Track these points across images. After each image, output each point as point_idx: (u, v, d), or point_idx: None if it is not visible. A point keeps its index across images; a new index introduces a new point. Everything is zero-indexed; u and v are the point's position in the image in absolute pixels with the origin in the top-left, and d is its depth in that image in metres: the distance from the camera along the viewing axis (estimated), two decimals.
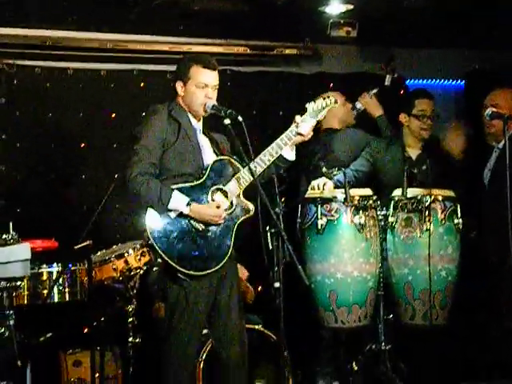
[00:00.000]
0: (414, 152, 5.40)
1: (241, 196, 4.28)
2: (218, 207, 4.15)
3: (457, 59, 6.76)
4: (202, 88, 4.24)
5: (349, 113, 5.73)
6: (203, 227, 4.16)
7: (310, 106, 4.41)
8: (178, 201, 4.09)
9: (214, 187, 4.23)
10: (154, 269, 4.61)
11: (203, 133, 4.38)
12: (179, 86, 4.29)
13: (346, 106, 5.68)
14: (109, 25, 5.79)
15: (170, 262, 4.07)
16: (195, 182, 4.20)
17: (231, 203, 4.25)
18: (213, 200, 4.20)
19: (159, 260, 4.14)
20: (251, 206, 4.27)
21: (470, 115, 5.90)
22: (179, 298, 4.15)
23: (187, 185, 4.18)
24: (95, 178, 5.80)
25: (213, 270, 4.15)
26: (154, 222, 4.10)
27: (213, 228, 4.18)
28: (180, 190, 4.15)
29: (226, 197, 4.24)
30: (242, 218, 4.27)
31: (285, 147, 4.32)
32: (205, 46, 6.07)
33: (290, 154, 4.40)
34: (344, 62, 6.61)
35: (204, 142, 4.36)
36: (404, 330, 5.01)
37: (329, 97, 4.48)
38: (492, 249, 5.00)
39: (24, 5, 5.21)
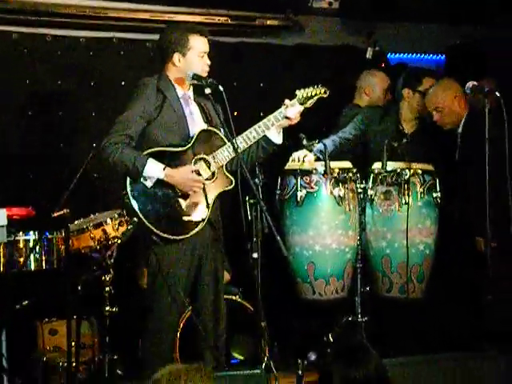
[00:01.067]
0: (409, 128, 5.39)
1: (223, 168, 4.30)
2: (197, 173, 4.14)
3: (438, 33, 6.76)
4: (202, 57, 4.29)
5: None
6: (182, 193, 4.16)
7: (299, 92, 4.44)
8: (154, 167, 4.10)
9: (198, 156, 4.24)
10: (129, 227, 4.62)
11: (194, 100, 4.37)
12: (177, 57, 4.28)
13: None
14: None
15: (145, 221, 4.10)
16: (178, 149, 4.20)
17: (212, 174, 4.24)
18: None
19: (135, 219, 4.14)
20: (232, 179, 4.30)
21: None
22: (158, 263, 4.17)
23: (168, 149, 4.19)
24: (74, 146, 5.74)
25: (186, 236, 4.17)
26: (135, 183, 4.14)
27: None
28: (161, 154, 4.16)
29: (209, 168, 4.24)
30: (222, 189, 4.30)
31: (271, 127, 4.35)
32: (186, 15, 6.00)
33: (277, 137, 4.43)
34: (325, 35, 6.57)
35: (194, 111, 4.37)
36: (381, 303, 5.04)
37: (319, 85, 4.47)
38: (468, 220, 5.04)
39: None
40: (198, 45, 4.29)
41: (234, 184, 4.29)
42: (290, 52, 6.45)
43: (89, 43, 5.89)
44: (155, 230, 4.13)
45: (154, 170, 4.10)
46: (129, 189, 4.12)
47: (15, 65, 5.71)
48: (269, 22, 6.32)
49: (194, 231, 4.20)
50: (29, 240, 4.73)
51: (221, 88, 4.11)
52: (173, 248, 4.20)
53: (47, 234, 4.79)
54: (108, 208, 4.97)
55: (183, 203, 4.20)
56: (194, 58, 4.28)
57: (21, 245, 4.73)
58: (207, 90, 4.17)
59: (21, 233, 4.72)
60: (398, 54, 6.74)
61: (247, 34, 6.36)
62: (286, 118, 4.37)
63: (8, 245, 4.62)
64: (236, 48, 6.32)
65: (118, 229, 4.79)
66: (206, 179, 4.24)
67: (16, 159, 5.66)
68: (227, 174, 4.32)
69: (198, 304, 4.38)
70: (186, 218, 4.19)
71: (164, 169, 4.12)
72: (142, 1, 5.93)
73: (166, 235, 4.15)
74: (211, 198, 4.26)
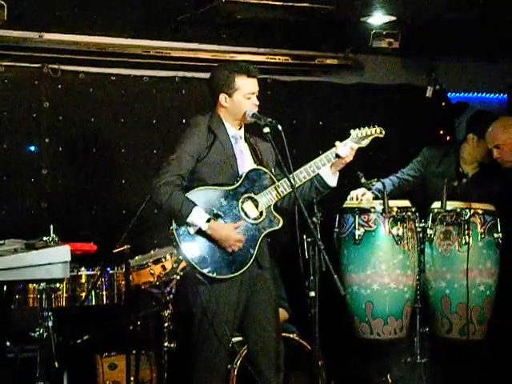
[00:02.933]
0: (470, 170, 5.32)
1: (271, 208, 4.28)
2: (244, 214, 4.17)
3: (500, 72, 6.70)
4: (249, 98, 4.26)
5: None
6: None
7: (354, 132, 4.39)
8: (198, 217, 4.09)
9: (246, 195, 4.24)
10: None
11: (246, 140, 4.40)
12: (223, 97, 4.26)
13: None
14: (152, 32, 5.85)
15: (189, 260, 4.09)
16: (225, 188, 4.21)
17: (260, 213, 4.26)
18: (242, 208, 4.21)
19: (180, 257, 4.15)
20: (280, 220, 4.27)
21: None
22: (204, 303, 4.17)
23: (218, 188, 4.20)
24: (135, 183, 5.86)
25: (231, 276, 4.15)
26: None
27: None
28: (210, 192, 4.17)
29: (257, 207, 4.26)
30: (269, 230, 4.26)
31: (322, 167, 4.31)
32: (247, 54, 6.10)
33: (332, 180, 4.36)
34: (385, 73, 6.59)
35: (244, 150, 4.36)
36: (440, 344, 4.97)
37: (375, 126, 4.46)
38: None
39: (69, 11, 5.29)
40: (245, 86, 4.24)
41: (282, 224, 4.25)
42: (350, 91, 6.48)
43: (152, 82, 6.03)
44: (199, 269, 4.11)
45: (197, 220, 4.09)
46: (174, 227, 4.13)
47: (81, 103, 5.88)
48: (328, 61, 6.38)
49: (240, 271, 4.16)
50: (91, 275, 4.82)
51: (279, 127, 4.09)
52: (219, 288, 4.17)
53: (108, 269, 4.87)
54: (168, 244, 5.02)
55: None
56: (241, 99, 4.24)
57: (83, 280, 4.83)
58: (266, 129, 4.14)
59: (83, 268, 4.82)
60: (458, 93, 6.70)
61: (307, 72, 6.42)
62: (338, 156, 4.32)
63: (70, 280, 4.72)
64: (296, 86, 6.38)
65: (177, 265, 4.85)
66: (254, 219, 4.23)
67: (78, 196, 5.80)
68: (275, 213, 4.28)
69: (250, 342, 4.34)
70: (231, 258, 4.15)
71: (208, 221, 4.10)
72: (204, 41, 6.04)
73: (210, 274, 4.12)
74: (258, 237, 4.22)
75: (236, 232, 4.14)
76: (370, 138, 4.44)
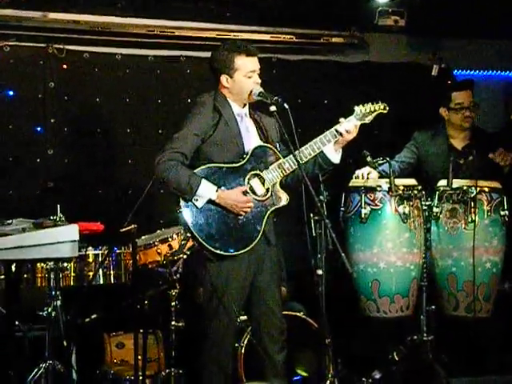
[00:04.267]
0: (459, 143, 5.39)
1: (277, 185, 4.29)
2: (244, 193, 4.17)
3: (506, 50, 6.67)
4: (250, 77, 4.26)
5: None
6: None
7: (358, 108, 4.40)
8: (207, 188, 4.11)
9: (252, 172, 4.25)
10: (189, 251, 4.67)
11: (250, 117, 4.39)
12: (224, 78, 4.27)
13: None
14: (157, 11, 5.83)
15: (197, 236, 4.11)
16: (232, 165, 4.22)
17: (267, 190, 4.26)
18: (249, 185, 4.22)
19: (188, 235, 4.17)
20: (286, 197, 4.29)
21: None
22: (213, 281, 4.19)
23: (224, 165, 4.21)
24: (141, 162, 5.86)
25: (239, 252, 4.17)
26: None
27: None
28: (216, 170, 4.18)
29: (263, 184, 4.26)
30: (276, 206, 4.28)
31: (328, 144, 4.31)
32: (252, 33, 6.07)
33: (335, 157, 4.37)
34: (391, 52, 6.56)
35: (250, 127, 4.37)
36: (447, 322, 4.99)
37: (378, 101, 4.46)
38: None
39: None
40: (245, 65, 4.24)
41: (288, 200, 4.28)
42: (355, 69, 6.46)
43: (157, 61, 6.02)
44: (208, 246, 4.13)
45: (206, 191, 4.11)
46: (182, 204, 4.15)
47: (86, 83, 5.87)
48: (334, 40, 6.35)
49: (247, 248, 4.19)
50: (98, 255, 4.85)
51: (286, 105, 4.09)
52: (226, 265, 4.19)
53: (116, 249, 4.89)
54: (174, 224, 5.04)
55: (236, 220, 4.19)
56: (242, 78, 4.25)
57: (90, 259, 4.86)
58: (272, 108, 4.15)
59: (90, 247, 4.83)
60: (464, 71, 6.68)
61: (312, 51, 6.39)
62: (342, 133, 4.30)
63: (78, 259, 4.74)
64: (301, 65, 6.36)
65: (183, 244, 4.86)
66: (261, 196, 4.24)
67: (84, 175, 5.82)
68: (282, 190, 4.30)
69: (255, 320, 4.37)
70: (238, 235, 4.18)
71: (216, 190, 4.13)
72: (209, 20, 6.02)
73: (218, 251, 4.14)
74: (265, 214, 4.24)
75: (243, 195, 4.16)
76: (374, 114, 4.44)
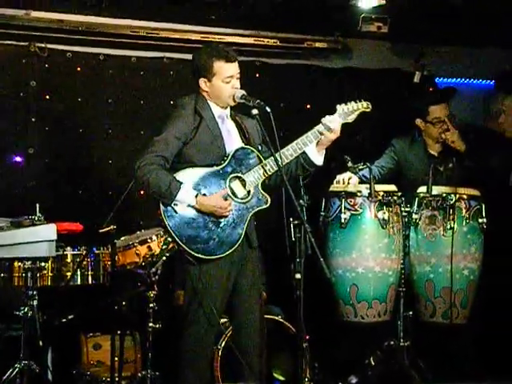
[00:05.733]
0: (435, 149, 5.44)
1: (259, 187, 4.29)
2: (225, 199, 4.17)
3: (488, 59, 6.71)
4: (228, 82, 4.25)
5: None
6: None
7: (340, 107, 4.40)
8: (187, 193, 4.10)
9: (233, 174, 4.25)
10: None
11: (232, 119, 4.40)
12: (203, 82, 4.28)
13: None
14: (141, 12, 5.82)
15: (178, 240, 4.10)
16: (214, 168, 4.22)
17: (248, 192, 4.26)
18: (230, 187, 4.22)
19: (169, 239, 4.15)
20: (268, 198, 4.28)
21: None
22: (194, 284, 4.18)
23: (205, 168, 4.20)
24: (122, 163, 5.84)
25: (220, 256, 4.16)
26: None
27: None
28: (197, 173, 4.17)
29: (244, 186, 4.26)
30: (258, 208, 4.28)
31: (310, 144, 4.32)
32: (235, 36, 6.08)
33: (318, 158, 4.37)
34: (373, 58, 6.58)
35: (231, 129, 4.37)
36: (423, 328, 5.01)
37: (361, 100, 4.46)
38: None
39: None
40: (223, 71, 4.23)
41: (269, 203, 4.27)
42: (338, 74, 6.47)
43: (140, 62, 6.01)
44: (188, 250, 4.12)
45: (186, 197, 4.10)
46: (162, 208, 4.13)
47: (68, 82, 5.85)
48: (317, 45, 6.36)
49: (229, 251, 4.18)
50: (76, 255, 4.82)
51: (268, 109, 4.10)
52: (208, 268, 4.19)
53: (94, 249, 4.87)
54: (154, 225, 5.03)
55: (217, 223, 4.18)
56: (220, 83, 4.24)
57: (68, 259, 4.82)
58: (254, 111, 4.16)
59: (69, 248, 4.81)
60: (446, 79, 6.71)
61: (296, 55, 6.41)
62: (324, 132, 4.29)
63: (56, 259, 4.72)
64: (284, 69, 6.36)
65: (165, 247, 4.85)
66: (242, 198, 4.24)
67: (65, 175, 5.79)
68: (263, 192, 4.29)
69: (236, 323, 4.37)
70: (220, 238, 4.17)
71: (196, 196, 4.12)
72: (193, 22, 6.01)
73: (199, 255, 4.13)
74: (246, 216, 4.24)
75: (223, 200, 4.15)
76: (357, 113, 4.45)
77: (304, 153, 4.33)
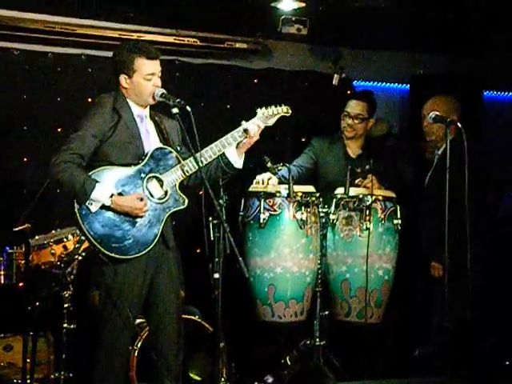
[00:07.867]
0: (353, 152, 5.49)
1: (177, 187, 4.26)
2: (141, 199, 4.13)
3: (403, 63, 6.86)
4: (149, 79, 4.22)
5: None
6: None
7: (260, 110, 4.42)
8: (101, 192, 4.05)
9: (151, 174, 4.21)
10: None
11: (151, 118, 4.36)
12: (123, 78, 4.23)
13: None
14: (58, 7, 5.71)
15: (92, 240, 4.04)
16: (131, 167, 4.17)
17: (165, 193, 4.23)
18: (146, 188, 4.18)
19: (82, 238, 4.07)
20: (185, 199, 4.26)
21: (413, 120, 5.96)
22: (109, 284, 4.13)
23: (122, 167, 4.15)
24: (38, 160, 5.71)
25: (135, 255, 4.12)
26: None
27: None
28: (114, 172, 4.12)
29: (162, 186, 4.23)
30: (174, 209, 4.25)
31: (229, 146, 4.32)
32: (155, 34, 6.02)
33: (237, 161, 4.37)
34: (293, 60, 6.63)
35: (150, 128, 4.34)
36: (339, 327, 5.08)
37: (281, 105, 4.49)
38: (428, 248, 5.12)
39: None
40: (144, 68, 4.19)
41: (187, 203, 4.25)
42: (258, 75, 6.49)
43: (57, 59, 5.88)
44: (102, 250, 4.06)
45: (101, 196, 4.04)
46: (77, 206, 4.06)
47: None
48: (237, 45, 6.36)
49: (143, 251, 4.14)
50: None
51: (188, 108, 4.07)
52: (123, 268, 4.13)
53: (7, 248, 4.76)
54: (69, 225, 4.94)
55: (133, 223, 4.13)
56: (140, 80, 4.20)
57: None
58: (174, 110, 4.13)
59: None
60: (363, 82, 6.82)
61: (216, 55, 6.40)
62: (245, 136, 4.31)
63: None
64: (205, 69, 6.35)
65: (79, 245, 4.78)
66: (158, 198, 4.20)
67: None
68: (181, 193, 4.26)
69: (153, 323, 4.33)
70: (135, 238, 4.12)
71: (111, 195, 4.07)
72: (111, 19, 5.93)
73: (113, 255, 4.08)
74: (163, 217, 4.21)
75: (138, 200, 4.10)
76: (277, 117, 4.48)
77: (224, 155, 4.33)
